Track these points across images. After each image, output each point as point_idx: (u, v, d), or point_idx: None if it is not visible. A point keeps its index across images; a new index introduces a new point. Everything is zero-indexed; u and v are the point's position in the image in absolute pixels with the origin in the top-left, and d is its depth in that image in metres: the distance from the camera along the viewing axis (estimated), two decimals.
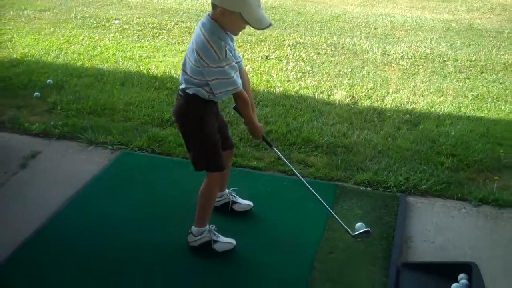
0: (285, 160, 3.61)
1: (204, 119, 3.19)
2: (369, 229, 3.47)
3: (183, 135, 3.33)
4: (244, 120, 3.30)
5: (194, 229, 3.40)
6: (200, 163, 3.30)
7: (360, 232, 3.47)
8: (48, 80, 5.75)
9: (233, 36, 3.11)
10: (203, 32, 2.98)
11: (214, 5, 2.95)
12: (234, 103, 3.24)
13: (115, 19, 8.13)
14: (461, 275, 3.16)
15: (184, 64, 3.16)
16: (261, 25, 2.95)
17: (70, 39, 7.24)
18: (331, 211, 3.56)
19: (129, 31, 7.67)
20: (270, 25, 3.00)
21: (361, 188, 4.16)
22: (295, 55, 6.94)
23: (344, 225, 3.49)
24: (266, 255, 3.40)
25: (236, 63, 3.09)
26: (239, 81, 3.06)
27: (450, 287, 3.10)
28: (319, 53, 7.08)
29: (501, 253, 3.53)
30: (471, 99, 5.86)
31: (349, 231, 3.47)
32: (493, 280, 3.22)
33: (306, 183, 3.54)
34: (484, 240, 3.65)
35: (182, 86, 3.17)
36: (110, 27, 7.82)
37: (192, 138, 3.28)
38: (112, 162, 4.41)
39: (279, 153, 3.54)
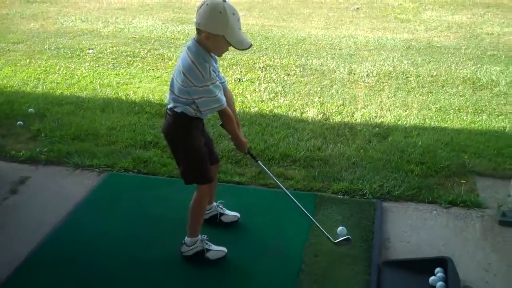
0: (269, 172, 3.85)
1: (192, 134, 3.41)
2: (350, 237, 3.72)
3: (173, 151, 3.55)
4: (230, 136, 3.55)
5: (187, 239, 3.60)
6: (189, 177, 3.52)
7: (341, 240, 3.71)
8: (30, 109, 5.89)
9: (216, 58, 3.37)
10: (189, 54, 3.22)
11: (199, 30, 3.20)
12: (220, 121, 3.49)
13: (89, 49, 8.31)
14: (437, 269, 3.43)
15: (171, 85, 3.39)
16: (242, 45, 3.21)
17: (46, 69, 7.39)
18: (312, 219, 3.79)
19: (104, 60, 7.86)
20: (251, 45, 3.27)
21: (339, 196, 4.42)
22: (266, 76, 7.23)
23: (325, 232, 3.72)
24: (255, 262, 3.62)
25: (220, 83, 3.34)
26: (223, 98, 3.31)
27: (428, 280, 3.38)
28: (289, 74, 7.39)
29: (471, 249, 3.82)
30: (435, 111, 6.22)
31: (331, 238, 3.70)
32: (465, 273, 3.49)
33: (289, 193, 3.77)
34: (455, 238, 3.94)
35: (170, 105, 3.39)
36: (85, 57, 8.00)
37: (182, 153, 3.48)
38: (100, 183, 4.58)
39: (263, 166, 3.78)
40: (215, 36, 3.15)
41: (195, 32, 3.24)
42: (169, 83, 3.41)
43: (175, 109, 3.34)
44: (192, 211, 3.56)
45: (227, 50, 3.28)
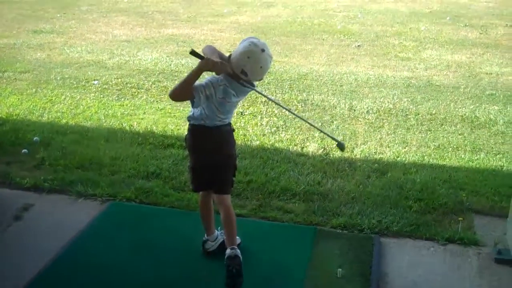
0: (273, 98, 4.00)
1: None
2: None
3: (224, 165, 3.77)
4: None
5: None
6: (231, 186, 3.85)
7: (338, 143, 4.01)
8: (35, 138, 5.98)
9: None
10: None
11: None
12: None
13: (94, 80, 8.45)
14: None
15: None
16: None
17: (52, 99, 7.51)
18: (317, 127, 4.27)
19: (108, 91, 7.99)
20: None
21: (338, 230, 4.49)
22: (268, 111, 7.35)
23: (330, 135, 4.22)
24: None
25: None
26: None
27: None
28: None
29: (467, 286, 3.88)
30: (433, 148, 6.31)
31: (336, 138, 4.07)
32: None
33: (315, 126, 4.37)
34: (452, 275, 4.01)
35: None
36: (90, 87, 8.13)
37: (232, 165, 3.80)
38: (102, 212, 4.65)
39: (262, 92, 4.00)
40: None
41: None
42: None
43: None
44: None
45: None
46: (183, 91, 3.53)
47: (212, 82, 3.53)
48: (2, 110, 6.90)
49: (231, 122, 3.80)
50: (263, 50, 3.47)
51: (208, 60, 3.46)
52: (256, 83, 3.69)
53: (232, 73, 3.53)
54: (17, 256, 4.01)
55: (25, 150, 5.70)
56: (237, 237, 4.00)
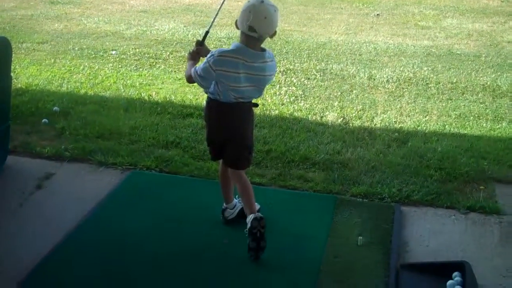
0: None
1: None
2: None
3: (237, 143, 3.70)
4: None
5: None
6: (246, 162, 3.80)
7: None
8: (55, 108, 6.00)
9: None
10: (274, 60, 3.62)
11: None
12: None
13: (112, 50, 8.44)
14: (455, 273, 3.46)
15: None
16: None
17: (71, 69, 7.52)
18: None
19: (127, 61, 7.98)
20: None
21: (358, 199, 4.47)
22: (286, 80, 7.30)
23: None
24: (276, 259, 3.67)
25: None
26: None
27: (446, 284, 3.42)
28: (309, 79, 7.45)
29: (488, 254, 3.85)
30: (455, 118, 6.24)
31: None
32: (483, 278, 3.51)
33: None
34: (473, 244, 3.98)
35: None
36: (108, 57, 8.12)
37: (245, 144, 3.73)
38: (123, 181, 4.66)
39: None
40: None
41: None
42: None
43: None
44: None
45: None
46: (190, 80, 3.67)
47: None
48: (22, 81, 6.92)
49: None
50: (262, 1, 3.40)
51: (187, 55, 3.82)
52: (274, 52, 3.68)
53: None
54: (40, 224, 4.05)
55: (45, 120, 5.73)
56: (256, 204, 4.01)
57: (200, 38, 3.83)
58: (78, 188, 4.58)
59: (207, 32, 3.80)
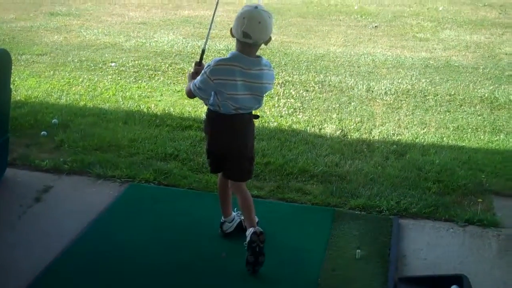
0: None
1: None
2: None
3: (237, 155, 3.71)
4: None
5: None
6: (246, 174, 3.81)
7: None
8: (54, 120, 6.02)
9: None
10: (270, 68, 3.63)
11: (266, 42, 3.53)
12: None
13: (112, 62, 8.47)
14: (453, 286, 3.44)
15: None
16: None
17: (70, 81, 7.55)
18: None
19: (126, 73, 8.01)
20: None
21: (356, 212, 4.47)
22: (285, 92, 7.32)
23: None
24: (273, 272, 3.67)
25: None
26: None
27: None
28: (307, 90, 7.47)
29: (487, 268, 3.85)
30: (452, 130, 6.26)
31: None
32: None
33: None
34: (472, 257, 3.98)
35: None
36: (107, 69, 8.15)
37: (246, 156, 3.74)
38: (122, 193, 4.67)
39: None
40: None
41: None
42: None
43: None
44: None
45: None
46: (190, 95, 3.71)
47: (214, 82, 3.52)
48: (21, 93, 6.94)
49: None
50: (256, 7, 3.44)
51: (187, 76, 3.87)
52: (272, 64, 3.68)
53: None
54: (38, 237, 4.05)
55: (44, 132, 5.74)
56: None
57: (199, 50, 3.87)
58: (76, 201, 4.59)
59: (203, 51, 3.82)
